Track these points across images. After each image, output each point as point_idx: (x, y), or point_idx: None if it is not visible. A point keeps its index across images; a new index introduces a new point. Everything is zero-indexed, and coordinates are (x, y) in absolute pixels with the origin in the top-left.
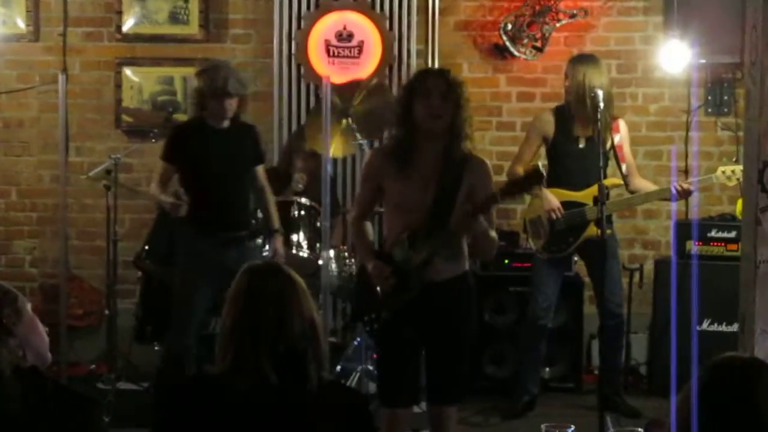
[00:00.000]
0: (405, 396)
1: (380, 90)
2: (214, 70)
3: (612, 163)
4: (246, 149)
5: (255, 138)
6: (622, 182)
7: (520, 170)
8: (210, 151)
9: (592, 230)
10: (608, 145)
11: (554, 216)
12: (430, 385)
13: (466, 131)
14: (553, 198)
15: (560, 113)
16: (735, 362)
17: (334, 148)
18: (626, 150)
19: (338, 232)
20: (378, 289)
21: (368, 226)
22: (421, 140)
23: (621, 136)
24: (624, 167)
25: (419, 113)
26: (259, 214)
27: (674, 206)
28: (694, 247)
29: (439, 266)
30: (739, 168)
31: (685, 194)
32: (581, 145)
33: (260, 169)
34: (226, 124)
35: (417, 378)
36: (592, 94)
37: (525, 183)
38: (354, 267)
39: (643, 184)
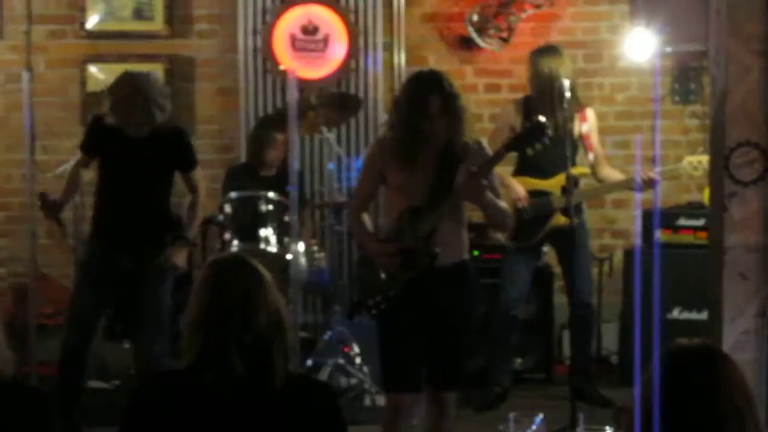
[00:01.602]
0: (410, 381)
1: (351, 99)
2: (126, 103)
3: (580, 152)
4: (163, 157)
5: (179, 144)
6: (589, 171)
7: None
8: (118, 154)
9: (560, 219)
10: (576, 134)
11: (520, 205)
12: (430, 370)
13: (464, 129)
14: (519, 187)
15: (526, 104)
16: (687, 349)
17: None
18: (594, 139)
19: (307, 226)
20: (382, 271)
21: (366, 217)
22: (419, 143)
23: (589, 125)
24: (591, 156)
25: (420, 125)
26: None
27: (639, 195)
28: (656, 235)
29: (440, 249)
30: (705, 158)
31: (650, 184)
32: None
33: (190, 176)
34: (145, 132)
35: (420, 363)
36: (558, 84)
37: (529, 136)
38: (323, 261)
39: (611, 174)
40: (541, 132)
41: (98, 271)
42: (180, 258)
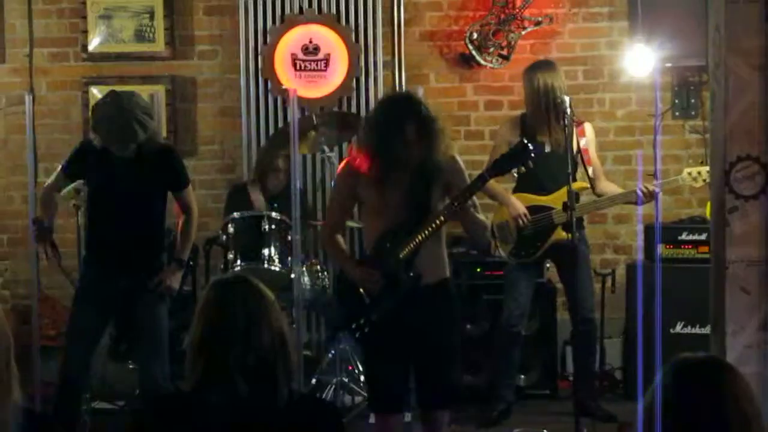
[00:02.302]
0: (395, 401)
1: (353, 119)
2: (109, 122)
3: (579, 167)
4: (151, 176)
5: (167, 162)
6: (588, 185)
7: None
8: (106, 175)
9: (560, 234)
10: (574, 149)
11: (520, 222)
12: (420, 391)
13: (440, 150)
14: (519, 204)
15: (523, 121)
16: (693, 362)
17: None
18: (592, 153)
19: (309, 245)
20: (364, 294)
21: (341, 239)
22: (393, 166)
23: (587, 139)
24: (590, 170)
25: (395, 149)
26: None
27: (640, 210)
28: (658, 250)
29: (422, 269)
30: (705, 169)
31: (650, 197)
32: (547, 150)
33: (182, 194)
34: (131, 152)
35: (406, 383)
36: (559, 100)
37: (512, 158)
38: (327, 279)
39: (610, 188)
40: (525, 154)
41: (93, 293)
42: (174, 280)
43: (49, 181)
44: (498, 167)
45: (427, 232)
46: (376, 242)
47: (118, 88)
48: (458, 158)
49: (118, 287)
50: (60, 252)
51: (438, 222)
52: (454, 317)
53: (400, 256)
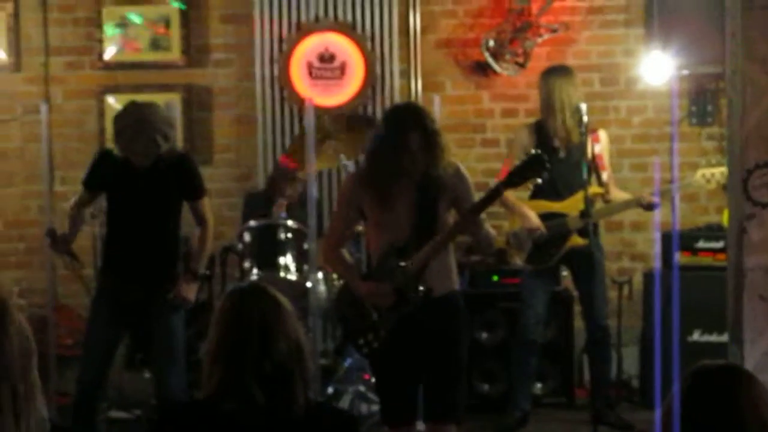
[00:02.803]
0: (407, 413)
1: (369, 122)
2: (132, 133)
3: (593, 173)
4: (168, 186)
5: (183, 172)
6: (602, 191)
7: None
8: (124, 186)
9: (576, 240)
10: (589, 155)
11: (537, 234)
12: (428, 404)
13: (443, 164)
14: (533, 218)
15: (538, 127)
16: (712, 369)
17: (318, 165)
18: (606, 160)
19: (320, 252)
20: (371, 308)
21: (345, 252)
22: (396, 177)
23: (601, 146)
24: (604, 176)
25: (400, 160)
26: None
27: (657, 218)
28: (675, 257)
29: (431, 282)
30: (718, 170)
31: (650, 207)
32: (561, 156)
33: (197, 204)
34: (148, 162)
35: (416, 394)
36: (576, 107)
37: (526, 170)
38: None
39: (619, 195)
40: (540, 165)
41: (109, 303)
42: (190, 292)
43: (75, 198)
44: (513, 179)
45: (438, 245)
46: (383, 256)
47: (134, 96)
48: (462, 168)
49: (134, 297)
50: (80, 261)
51: (450, 235)
52: (462, 330)
53: (411, 269)
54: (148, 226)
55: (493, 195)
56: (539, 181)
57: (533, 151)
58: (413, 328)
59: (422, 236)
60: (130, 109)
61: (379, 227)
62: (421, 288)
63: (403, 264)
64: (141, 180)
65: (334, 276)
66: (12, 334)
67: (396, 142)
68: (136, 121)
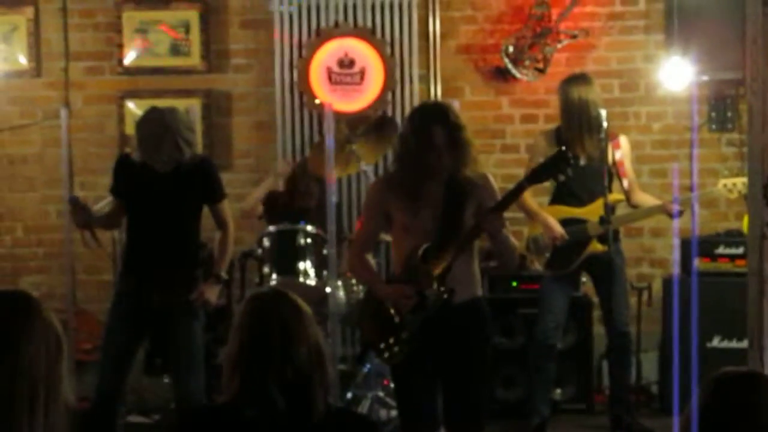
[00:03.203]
0: (428, 420)
1: (387, 123)
2: (155, 139)
3: (614, 179)
4: (189, 190)
5: (204, 176)
6: (623, 198)
7: (525, 194)
8: (145, 190)
9: (596, 246)
10: (609, 161)
11: (558, 242)
12: (448, 412)
13: (469, 163)
14: (555, 224)
15: (558, 134)
16: (733, 376)
17: (337, 171)
18: (627, 166)
19: (345, 259)
20: (393, 312)
21: (369, 258)
22: (424, 176)
23: (622, 152)
24: (625, 183)
25: (426, 157)
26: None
27: (676, 224)
28: (694, 263)
29: (455, 286)
30: (740, 180)
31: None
32: (582, 163)
33: (218, 208)
34: (170, 166)
35: (436, 401)
36: (594, 114)
37: (551, 166)
38: (362, 293)
39: (645, 199)
40: (564, 162)
41: (128, 308)
42: (212, 295)
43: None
44: (537, 175)
45: (460, 245)
46: (407, 259)
47: (154, 102)
48: (490, 177)
49: (153, 302)
50: (99, 241)
51: (471, 234)
52: (485, 336)
53: (434, 272)
54: (168, 230)
55: (516, 192)
56: (562, 178)
57: (558, 148)
58: (436, 332)
59: (447, 240)
60: (153, 115)
61: (406, 232)
62: (443, 289)
63: (425, 266)
64: (162, 184)
65: (353, 281)
66: (35, 332)
67: (420, 138)
68: (160, 128)
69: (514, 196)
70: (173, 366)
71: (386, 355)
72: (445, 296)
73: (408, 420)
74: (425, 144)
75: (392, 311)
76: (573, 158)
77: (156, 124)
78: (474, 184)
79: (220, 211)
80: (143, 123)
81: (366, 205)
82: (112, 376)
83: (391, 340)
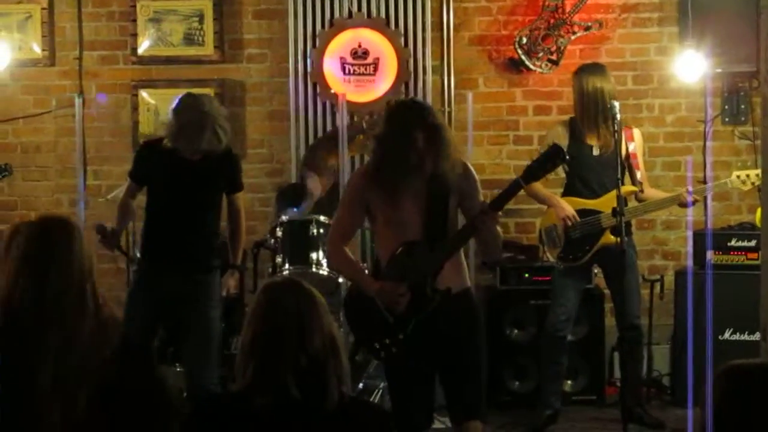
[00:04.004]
0: (422, 419)
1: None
2: (196, 126)
3: (626, 171)
4: (216, 179)
5: (230, 165)
6: (636, 190)
7: (536, 184)
8: (173, 177)
9: (608, 238)
10: (623, 153)
11: (569, 223)
12: (450, 405)
13: (450, 160)
14: (566, 206)
15: (572, 125)
16: (750, 368)
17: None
18: (640, 158)
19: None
20: (385, 312)
21: (349, 251)
22: (405, 172)
23: (635, 144)
24: (638, 175)
25: (406, 159)
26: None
27: (690, 217)
28: (708, 256)
29: (446, 281)
30: (754, 172)
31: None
32: (595, 154)
33: (236, 197)
34: (199, 154)
35: (433, 399)
36: (608, 104)
37: (545, 163)
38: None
39: (655, 193)
40: (558, 157)
41: (145, 296)
42: (232, 283)
43: (122, 191)
44: (532, 172)
45: (454, 245)
46: (395, 256)
47: (168, 91)
48: (469, 166)
49: (170, 288)
50: (130, 256)
51: (466, 233)
52: (480, 327)
53: (425, 270)
54: (191, 218)
55: (513, 190)
56: (563, 174)
57: (552, 144)
58: (431, 329)
59: (434, 234)
60: (191, 102)
61: (389, 226)
62: (440, 288)
63: (416, 263)
64: (191, 172)
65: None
66: (78, 244)
67: (400, 141)
68: (201, 115)
69: (509, 195)
70: (188, 352)
71: (382, 354)
72: (443, 294)
73: (402, 416)
74: (406, 147)
75: (383, 311)
76: (587, 149)
77: (197, 111)
78: (453, 176)
79: (236, 200)
80: (183, 110)
81: (345, 197)
82: None
83: (387, 341)
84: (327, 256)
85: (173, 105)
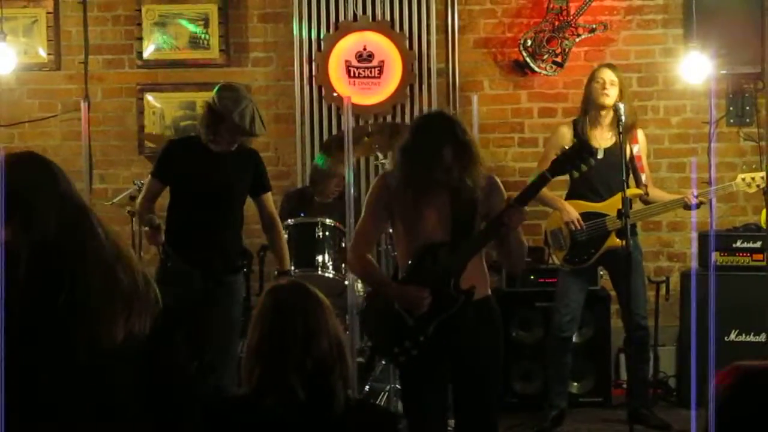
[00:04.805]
0: (436, 424)
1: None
2: (240, 104)
3: (631, 173)
4: (245, 176)
5: (257, 164)
6: (642, 192)
7: None
8: (202, 173)
9: (614, 241)
10: (627, 155)
11: (573, 227)
12: (461, 417)
13: (478, 173)
14: (571, 209)
15: (577, 126)
16: (758, 370)
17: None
18: (644, 160)
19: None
20: (405, 315)
21: (372, 258)
22: (429, 184)
23: (639, 146)
24: (643, 177)
25: (432, 174)
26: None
27: (694, 219)
28: (713, 257)
29: (467, 282)
30: (759, 174)
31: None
32: (600, 156)
33: (267, 198)
34: (228, 149)
35: (445, 403)
36: (615, 108)
37: (573, 157)
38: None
39: (660, 194)
40: (586, 152)
41: (171, 295)
42: None
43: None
44: (560, 165)
45: (479, 240)
46: (416, 258)
47: (173, 95)
48: (495, 179)
49: (195, 287)
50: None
51: (491, 230)
52: (498, 339)
53: (449, 272)
54: (219, 212)
55: (539, 184)
56: (584, 168)
57: (578, 139)
58: (452, 332)
59: (461, 236)
60: (238, 91)
61: (410, 234)
62: (462, 289)
63: (437, 265)
64: (218, 163)
65: None
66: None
67: (428, 157)
68: (247, 101)
69: (536, 188)
70: (209, 350)
71: (402, 359)
72: (466, 296)
73: (416, 421)
74: (433, 162)
75: (403, 313)
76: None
77: (245, 98)
78: (479, 190)
79: (267, 201)
80: (236, 100)
81: (369, 203)
82: None
83: (407, 344)
84: (349, 263)
85: (219, 96)
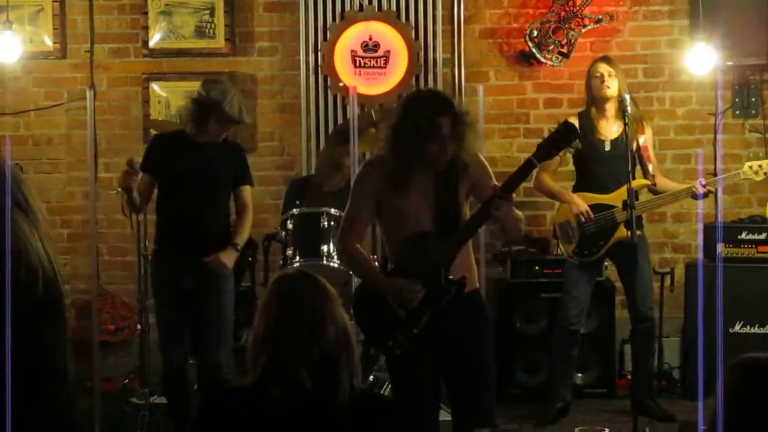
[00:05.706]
0: (426, 417)
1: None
2: (228, 94)
3: (638, 164)
4: (228, 169)
5: (240, 158)
6: (649, 183)
7: (546, 178)
8: (188, 166)
9: (622, 232)
10: (634, 147)
11: (582, 219)
12: (457, 410)
13: (471, 148)
14: (580, 201)
15: (583, 118)
16: (759, 362)
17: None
18: (650, 151)
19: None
20: (397, 307)
21: (362, 249)
22: (420, 164)
23: (645, 137)
24: (650, 168)
25: (425, 149)
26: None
27: (700, 210)
28: (718, 249)
29: (457, 272)
30: (766, 162)
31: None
32: (607, 148)
33: (245, 190)
34: (214, 141)
35: (437, 395)
36: (620, 99)
37: (558, 140)
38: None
39: (668, 184)
40: (569, 134)
41: (166, 287)
42: (227, 259)
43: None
44: (545, 149)
45: (467, 232)
46: (404, 249)
47: (179, 84)
48: (477, 155)
49: (186, 281)
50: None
51: (480, 217)
52: (488, 330)
53: (440, 262)
54: (205, 205)
55: (526, 170)
56: (572, 151)
57: (564, 121)
58: (443, 326)
59: (445, 224)
60: (225, 82)
61: (397, 217)
62: (454, 279)
63: (427, 255)
64: (203, 156)
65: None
66: None
67: (424, 130)
68: (237, 93)
69: (523, 174)
70: (203, 340)
71: (396, 351)
72: (458, 286)
73: (409, 414)
74: (429, 135)
75: (395, 305)
76: (598, 143)
77: (231, 88)
78: (465, 164)
79: (244, 192)
80: (224, 89)
81: (355, 190)
82: (176, 344)
83: (401, 337)
84: (337, 253)
85: (207, 89)
